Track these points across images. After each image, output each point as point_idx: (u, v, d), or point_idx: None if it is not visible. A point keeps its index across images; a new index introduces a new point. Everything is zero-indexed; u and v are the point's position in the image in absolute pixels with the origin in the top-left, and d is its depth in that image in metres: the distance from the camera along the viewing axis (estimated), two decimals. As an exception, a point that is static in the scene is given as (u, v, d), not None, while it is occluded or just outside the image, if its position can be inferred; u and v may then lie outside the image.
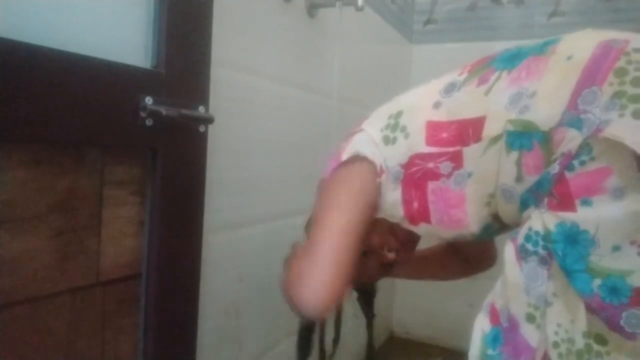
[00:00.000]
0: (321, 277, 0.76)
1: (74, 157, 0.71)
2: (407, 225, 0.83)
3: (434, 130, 0.77)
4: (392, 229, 0.91)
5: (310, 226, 0.90)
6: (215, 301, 1.05)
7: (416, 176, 0.78)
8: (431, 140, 0.77)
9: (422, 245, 1.04)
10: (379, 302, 1.94)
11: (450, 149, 0.74)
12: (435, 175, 0.76)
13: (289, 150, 1.31)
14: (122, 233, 0.80)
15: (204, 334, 1.00)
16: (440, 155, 0.76)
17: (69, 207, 0.71)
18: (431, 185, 0.77)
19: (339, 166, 0.83)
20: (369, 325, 1.23)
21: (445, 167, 0.75)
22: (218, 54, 0.95)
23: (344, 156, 0.83)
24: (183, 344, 0.91)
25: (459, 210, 0.76)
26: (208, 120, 0.87)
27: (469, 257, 1.09)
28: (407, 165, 0.79)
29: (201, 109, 0.87)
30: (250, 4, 1.10)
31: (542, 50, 0.71)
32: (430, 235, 0.84)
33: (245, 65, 1.10)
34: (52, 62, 0.64)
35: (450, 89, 0.78)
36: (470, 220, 0.76)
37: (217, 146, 0.99)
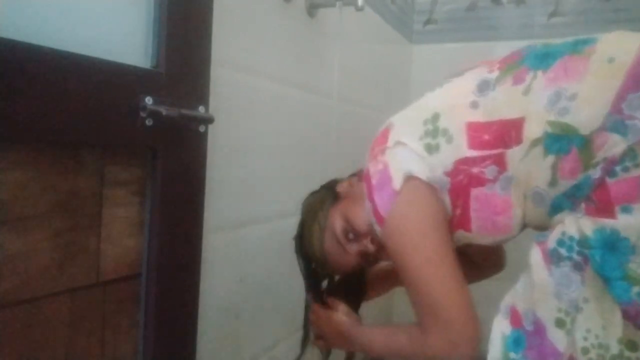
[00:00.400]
0: (452, 314, 0.75)
1: (74, 157, 0.71)
2: (462, 235, 0.81)
3: (474, 131, 0.74)
4: None
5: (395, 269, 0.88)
6: (215, 301, 1.05)
7: (462, 183, 0.75)
8: (473, 142, 0.74)
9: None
10: (379, 302, 1.93)
11: (494, 152, 0.72)
12: (480, 181, 0.73)
13: (289, 150, 1.31)
14: (122, 233, 0.80)
15: (204, 334, 1.00)
16: (484, 159, 0.73)
17: (69, 207, 0.71)
18: (475, 192, 0.74)
19: (396, 196, 0.77)
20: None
21: (490, 171, 0.72)
22: (218, 54, 0.95)
23: (395, 182, 0.77)
24: (183, 344, 0.91)
25: (506, 216, 0.74)
26: (208, 120, 0.87)
27: (479, 261, 1.05)
28: (453, 172, 0.75)
29: (201, 109, 0.87)
30: (250, 4, 1.10)
31: (576, 49, 0.69)
32: (458, 242, 0.82)
33: (245, 65, 1.10)
34: (52, 62, 0.64)
35: (485, 87, 0.75)
36: (514, 224, 0.75)
37: (217, 146, 0.99)
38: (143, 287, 0.83)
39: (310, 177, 1.40)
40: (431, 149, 0.76)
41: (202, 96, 0.88)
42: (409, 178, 0.76)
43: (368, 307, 1.16)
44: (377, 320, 2.08)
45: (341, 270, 1.00)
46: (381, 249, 0.90)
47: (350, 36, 1.58)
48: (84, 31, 0.71)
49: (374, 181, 0.79)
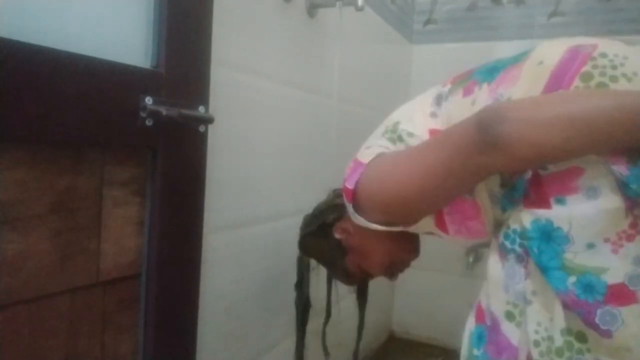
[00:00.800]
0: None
1: (74, 157, 0.71)
2: (439, 235, 0.82)
3: None
4: (393, 262, 0.97)
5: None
6: (215, 301, 1.05)
7: None
8: None
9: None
10: (379, 302, 1.93)
11: None
12: None
13: (289, 150, 1.31)
14: (122, 233, 0.80)
15: (204, 334, 1.00)
16: None
17: (69, 207, 0.71)
18: None
19: (365, 167, 0.78)
20: (361, 313, 1.24)
21: None
22: (218, 54, 0.95)
23: (365, 159, 0.79)
24: (183, 344, 0.91)
25: (477, 221, 0.75)
26: (208, 120, 0.87)
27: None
28: None
29: (201, 109, 0.87)
30: (250, 4, 1.10)
31: (517, 59, 0.73)
32: (437, 236, 0.83)
33: (245, 65, 1.10)
34: (52, 62, 0.64)
35: (439, 100, 0.80)
36: (487, 229, 0.76)
37: (217, 146, 0.99)
38: (143, 287, 0.83)
39: (310, 177, 1.40)
40: (394, 140, 0.80)
41: (202, 96, 0.88)
42: (380, 154, 0.78)
43: (367, 311, 1.17)
44: (376, 321, 2.08)
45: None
46: (405, 265, 1.01)
47: (350, 36, 1.58)
48: (84, 31, 0.71)
49: (346, 177, 0.82)
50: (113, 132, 0.73)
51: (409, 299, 2.23)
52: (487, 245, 0.81)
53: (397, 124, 0.82)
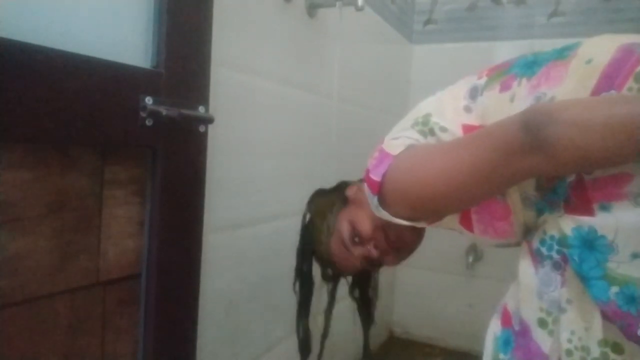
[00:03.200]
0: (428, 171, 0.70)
1: (74, 157, 0.71)
2: (461, 231, 0.79)
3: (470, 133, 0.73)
4: (385, 227, 0.89)
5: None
6: (215, 301, 1.05)
7: None
8: None
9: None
10: (379, 302, 1.93)
11: None
12: None
13: (289, 150, 1.31)
14: (122, 233, 0.80)
15: (204, 334, 1.00)
16: None
17: (69, 207, 0.71)
18: None
19: (393, 159, 0.74)
20: (366, 332, 1.20)
21: None
22: (218, 54, 0.95)
23: (394, 150, 0.74)
24: (183, 343, 0.91)
25: (505, 222, 0.73)
26: (208, 120, 0.87)
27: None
28: None
29: (201, 109, 0.87)
30: (250, 4, 1.10)
31: (561, 55, 0.69)
32: (461, 233, 0.81)
33: (245, 65, 1.10)
34: (52, 62, 0.64)
35: (474, 93, 0.76)
36: (516, 230, 0.74)
37: (217, 146, 0.99)
38: (143, 287, 0.83)
39: (310, 177, 1.40)
40: (426, 133, 0.76)
41: (202, 96, 0.88)
42: (410, 146, 0.75)
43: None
44: (377, 321, 2.08)
45: (346, 271, 1.03)
46: (386, 253, 0.92)
47: (350, 36, 1.58)
48: (84, 31, 0.71)
49: (370, 167, 0.78)
50: (113, 132, 0.73)
51: (409, 299, 2.23)
52: (511, 246, 0.79)
53: (428, 116, 0.78)
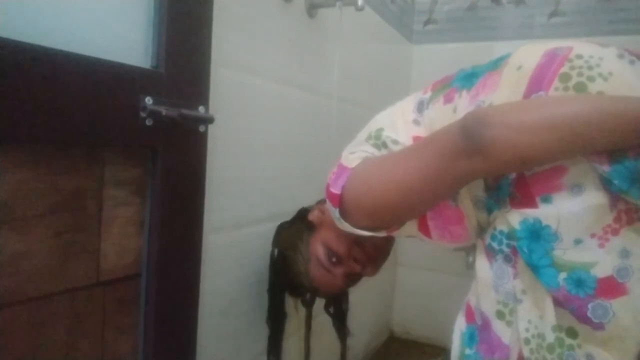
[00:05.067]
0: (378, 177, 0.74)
1: (74, 157, 0.71)
2: (421, 238, 0.82)
3: None
4: (359, 240, 0.92)
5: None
6: (215, 301, 1.05)
7: None
8: None
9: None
10: (379, 302, 1.94)
11: None
12: None
13: (289, 150, 1.31)
14: (122, 233, 0.80)
15: (204, 334, 1.00)
16: None
17: (69, 207, 0.71)
18: None
19: (351, 171, 0.78)
20: (343, 344, 1.22)
21: None
22: (218, 54, 0.95)
23: (352, 164, 0.79)
24: (183, 344, 0.91)
25: (460, 226, 0.77)
26: (208, 120, 0.87)
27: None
28: None
29: (201, 109, 0.87)
30: (250, 4, 1.10)
31: (495, 65, 0.74)
32: (420, 240, 0.84)
33: (245, 65, 1.10)
34: (52, 62, 0.64)
35: (421, 107, 0.81)
36: (470, 234, 0.78)
37: (217, 146, 0.99)
38: (143, 287, 0.83)
39: (310, 177, 1.40)
40: (379, 146, 0.81)
41: (202, 96, 0.88)
42: (366, 158, 0.79)
43: (367, 312, 1.17)
44: (376, 321, 2.08)
45: (331, 293, 1.07)
46: (366, 264, 0.96)
47: (350, 36, 1.58)
48: (84, 31, 0.71)
49: (330, 182, 0.81)
50: (113, 132, 0.73)
51: (409, 299, 2.23)
52: (469, 249, 0.82)
53: (380, 130, 0.82)
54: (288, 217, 1.27)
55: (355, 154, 0.81)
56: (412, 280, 2.20)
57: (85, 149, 0.73)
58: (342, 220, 0.79)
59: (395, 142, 0.79)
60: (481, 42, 2.04)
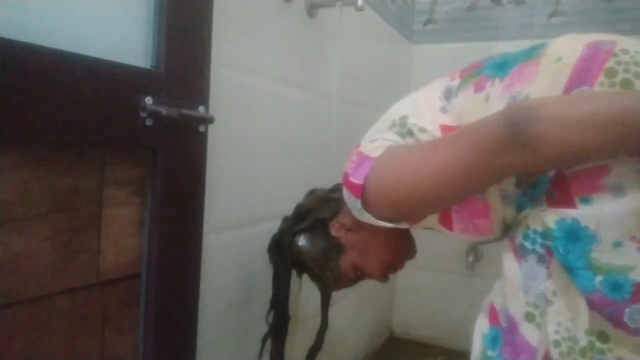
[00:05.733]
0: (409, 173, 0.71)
1: (74, 157, 0.71)
2: (440, 230, 0.79)
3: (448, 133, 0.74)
4: (392, 263, 0.96)
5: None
6: (215, 301, 1.05)
7: None
8: None
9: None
10: (379, 302, 1.93)
11: None
12: None
13: (289, 150, 1.31)
14: (122, 233, 0.80)
15: (203, 334, 1.00)
16: None
17: (69, 207, 0.71)
18: None
19: (374, 161, 0.74)
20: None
21: None
22: (218, 54, 0.95)
23: (374, 153, 0.75)
24: (183, 343, 0.91)
25: (485, 219, 0.73)
26: (208, 120, 0.87)
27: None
28: None
29: (201, 109, 0.87)
30: (250, 4, 1.09)
31: (530, 55, 0.71)
32: (439, 231, 0.81)
33: (245, 65, 1.10)
34: (52, 62, 0.64)
35: (449, 94, 0.77)
36: (494, 228, 0.75)
37: (217, 146, 0.99)
38: (143, 287, 0.83)
39: (310, 177, 1.40)
40: (404, 134, 0.77)
41: (202, 96, 0.88)
42: (390, 147, 0.75)
43: (367, 312, 1.17)
44: (377, 321, 2.08)
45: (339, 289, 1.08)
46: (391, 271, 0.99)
47: (350, 36, 1.58)
48: (84, 31, 0.71)
49: (349, 171, 0.78)
50: (113, 132, 0.73)
51: (409, 299, 2.23)
52: (488, 242, 0.80)
53: (404, 117, 0.78)
54: (288, 217, 1.26)
55: (377, 142, 0.77)
56: (412, 280, 2.20)
57: (85, 149, 0.73)
58: (364, 211, 0.76)
59: (423, 129, 0.76)
60: (481, 42, 2.04)
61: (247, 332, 1.18)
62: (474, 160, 0.64)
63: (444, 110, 0.76)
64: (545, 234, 0.64)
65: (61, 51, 0.65)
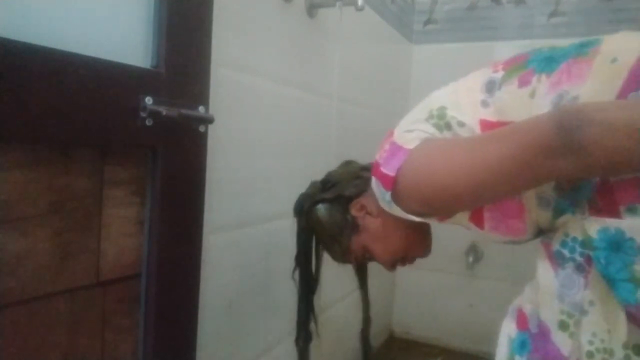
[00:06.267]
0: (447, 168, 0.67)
1: (74, 157, 0.71)
2: (468, 227, 0.77)
3: (488, 130, 0.71)
4: (403, 257, 0.94)
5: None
6: (215, 301, 1.05)
7: None
8: None
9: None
10: (379, 302, 1.93)
11: None
12: None
13: (289, 150, 1.31)
14: (122, 233, 0.80)
15: (203, 334, 1.00)
16: None
17: (69, 207, 0.71)
18: None
19: (409, 153, 0.71)
20: (364, 288, 1.15)
21: None
22: (218, 54, 0.95)
23: (409, 144, 0.71)
24: (183, 343, 0.91)
25: (519, 220, 0.71)
26: (208, 120, 0.87)
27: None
28: None
29: (201, 109, 0.87)
30: (250, 4, 1.10)
31: (581, 51, 0.67)
32: (468, 229, 0.79)
33: (245, 65, 1.10)
34: (52, 62, 0.64)
35: (491, 87, 0.73)
36: (528, 228, 0.72)
37: (217, 146, 0.99)
38: (143, 287, 0.83)
39: (310, 177, 1.40)
40: (442, 127, 0.73)
41: (202, 96, 0.88)
42: (427, 139, 0.72)
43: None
44: (376, 321, 2.08)
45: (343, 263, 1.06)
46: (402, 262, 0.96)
47: (350, 36, 1.58)
48: (84, 31, 0.71)
49: (381, 161, 0.75)
50: (113, 132, 0.73)
51: (409, 299, 2.23)
52: (520, 243, 0.77)
53: (443, 109, 0.75)
54: (288, 217, 1.26)
55: (413, 133, 0.73)
56: (412, 280, 2.20)
57: (85, 149, 0.73)
58: (393, 204, 0.74)
59: (461, 124, 0.72)
60: (481, 42, 2.04)
61: (247, 332, 1.18)
62: (519, 161, 0.61)
63: (484, 104, 0.73)
64: (586, 243, 0.62)
65: (61, 51, 0.65)
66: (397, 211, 0.74)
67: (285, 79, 1.26)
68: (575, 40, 0.71)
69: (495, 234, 0.75)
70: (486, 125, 0.71)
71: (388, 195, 0.73)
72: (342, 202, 0.96)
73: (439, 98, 0.78)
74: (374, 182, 0.77)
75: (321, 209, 0.99)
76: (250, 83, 1.12)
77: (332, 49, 1.48)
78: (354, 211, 0.94)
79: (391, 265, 0.96)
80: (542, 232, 0.74)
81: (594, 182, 0.62)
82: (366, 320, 1.12)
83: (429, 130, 0.73)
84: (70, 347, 0.73)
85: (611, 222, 0.60)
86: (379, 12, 1.83)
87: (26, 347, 0.67)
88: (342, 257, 0.99)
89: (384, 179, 0.73)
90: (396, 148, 0.73)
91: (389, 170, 0.72)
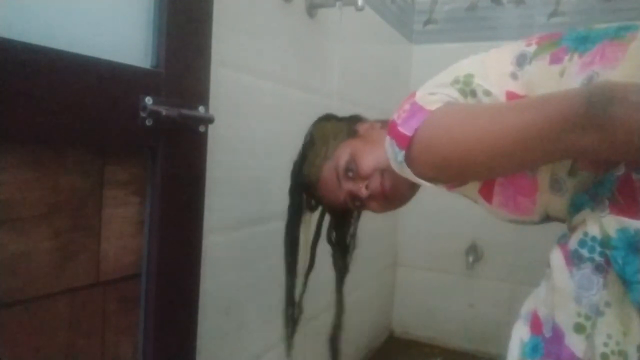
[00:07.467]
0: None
1: (74, 157, 0.71)
2: (476, 200, 0.75)
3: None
4: (384, 172, 0.90)
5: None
6: (215, 301, 1.05)
7: None
8: None
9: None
10: (379, 302, 1.93)
11: None
12: None
13: (289, 150, 1.31)
14: (122, 233, 0.80)
15: (203, 334, 1.00)
16: None
17: (69, 207, 0.71)
18: None
19: (429, 114, 0.68)
20: (339, 282, 1.18)
21: None
22: (218, 54, 0.95)
23: (430, 106, 0.69)
24: (183, 344, 0.91)
25: (530, 199, 0.69)
26: (208, 120, 0.87)
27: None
28: None
29: (201, 109, 0.87)
30: (250, 4, 1.10)
31: (618, 34, 0.65)
32: (475, 201, 0.77)
33: (245, 65, 1.10)
34: (52, 62, 0.64)
35: (522, 60, 0.71)
36: (536, 210, 0.71)
37: (217, 146, 0.99)
38: (143, 287, 0.83)
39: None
40: (466, 93, 0.71)
41: (202, 96, 0.88)
42: (449, 103, 0.69)
43: (367, 312, 1.17)
44: (376, 321, 2.08)
45: (327, 203, 1.04)
46: (375, 197, 0.93)
47: (350, 36, 1.58)
48: (84, 31, 0.71)
49: (398, 121, 0.72)
50: (113, 132, 0.73)
51: (409, 299, 2.23)
52: (525, 223, 0.76)
53: (470, 76, 0.72)
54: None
55: (437, 95, 0.70)
56: (412, 280, 2.20)
57: (85, 149, 0.73)
58: (404, 165, 0.70)
59: (487, 92, 0.70)
60: (481, 42, 2.04)
61: (247, 332, 1.18)
62: (542, 132, 0.59)
63: (514, 76, 0.71)
64: (604, 242, 0.60)
65: (61, 51, 0.65)
66: (408, 173, 0.71)
67: (285, 79, 1.26)
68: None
69: (502, 210, 0.73)
70: (512, 97, 0.69)
71: (401, 155, 0.70)
72: (353, 119, 1.00)
73: (466, 66, 0.76)
74: (388, 142, 0.73)
75: (329, 117, 1.06)
76: (250, 83, 1.12)
77: (332, 49, 1.48)
78: (359, 126, 0.97)
79: (369, 173, 0.93)
80: (548, 219, 0.73)
81: (615, 177, 0.60)
82: (337, 327, 1.13)
83: (452, 94, 0.71)
84: (70, 347, 0.73)
85: (631, 223, 0.58)
86: (379, 12, 1.83)
87: (26, 347, 0.67)
88: (318, 167, 0.99)
89: (400, 138, 0.70)
90: (417, 109, 0.70)
91: (406, 129, 0.69)
